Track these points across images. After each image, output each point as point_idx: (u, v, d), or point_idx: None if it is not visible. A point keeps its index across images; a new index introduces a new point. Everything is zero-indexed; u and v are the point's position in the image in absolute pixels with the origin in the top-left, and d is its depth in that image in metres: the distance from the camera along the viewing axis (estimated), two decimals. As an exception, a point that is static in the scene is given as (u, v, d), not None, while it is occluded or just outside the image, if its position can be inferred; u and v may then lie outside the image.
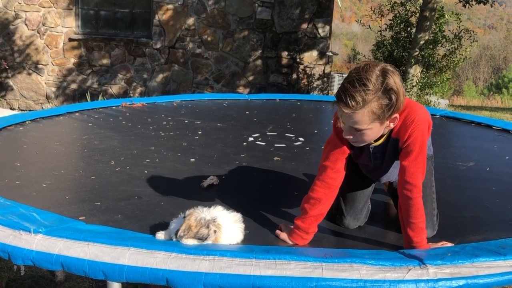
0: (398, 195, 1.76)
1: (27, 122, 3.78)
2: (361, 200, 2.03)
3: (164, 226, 1.82)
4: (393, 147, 1.79)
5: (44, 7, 8.12)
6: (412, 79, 6.91)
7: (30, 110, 8.23)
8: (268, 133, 3.71)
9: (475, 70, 24.26)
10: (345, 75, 8.95)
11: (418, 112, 1.69)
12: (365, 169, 2.02)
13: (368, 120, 1.59)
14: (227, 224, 1.78)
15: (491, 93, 19.19)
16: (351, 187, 2.03)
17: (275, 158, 3.01)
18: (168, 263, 1.51)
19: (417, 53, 6.83)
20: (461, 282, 1.45)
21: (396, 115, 1.64)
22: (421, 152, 1.70)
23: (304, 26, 7.85)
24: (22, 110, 8.44)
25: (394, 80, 1.57)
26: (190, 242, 1.67)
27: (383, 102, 1.57)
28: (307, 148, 3.29)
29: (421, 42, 6.81)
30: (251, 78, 8.11)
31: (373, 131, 1.66)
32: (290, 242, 1.83)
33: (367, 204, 2.07)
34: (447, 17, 7.30)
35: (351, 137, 1.68)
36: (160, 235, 1.75)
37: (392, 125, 1.68)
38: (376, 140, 1.79)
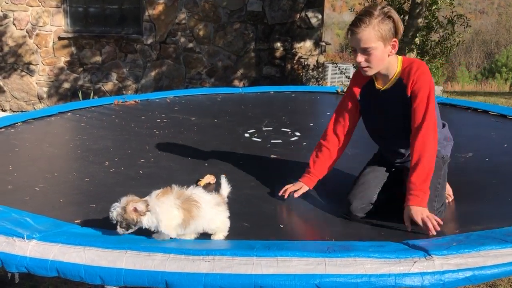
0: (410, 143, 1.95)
1: (18, 124, 3.72)
2: (372, 184, 2.06)
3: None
4: (400, 89, 1.99)
5: (32, 6, 8.00)
6: (406, 67, 6.90)
7: (22, 111, 8.14)
8: (263, 128, 3.65)
9: (467, 56, 24.18)
10: (339, 65, 8.88)
11: (423, 62, 1.99)
12: (375, 133, 2.19)
13: (374, 38, 1.90)
14: (207, 207, 1.66)
15: (484, 78, 19.14)
16: (365, 172, 2.14)
17: (272, 156, 2.97)
18: (167, 265, 1.47)
19: (410, 39, 6.79)
20: (468, 274, 1.42)
21: (395, 39, 1.94)
22: (431, 93, 1.93)
23: (296, 16, 7.78)
24: (14, 112, 8.34)
25: (393, 11, 1.93)
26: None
27: (385, 25, 1.90)
28: (304, 143, 3.24)
29: (414, 29, 6.77)
30: (244, 71, 8.04)
31: (379, 52, 1.92)
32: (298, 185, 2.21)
33: (376, 192, 2.04)
34: (439, 3, 7.23)
35: (362, 60, 1.95)
36: (155, 235, 1.70)
37: (393, 51, 1.96)
38: (384, 84, 2.06)
